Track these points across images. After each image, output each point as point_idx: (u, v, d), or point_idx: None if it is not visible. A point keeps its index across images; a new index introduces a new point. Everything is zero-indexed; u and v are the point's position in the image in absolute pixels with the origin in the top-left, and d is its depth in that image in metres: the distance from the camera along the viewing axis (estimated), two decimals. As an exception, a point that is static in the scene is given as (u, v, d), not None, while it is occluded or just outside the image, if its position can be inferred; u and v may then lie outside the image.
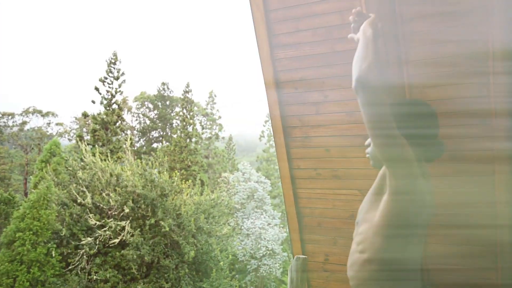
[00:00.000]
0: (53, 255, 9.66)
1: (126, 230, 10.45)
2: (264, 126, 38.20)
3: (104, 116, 24.46)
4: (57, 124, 38.28)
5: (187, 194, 12.59)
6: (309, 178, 4.00)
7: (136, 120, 45.08)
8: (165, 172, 12.50)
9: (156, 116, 44.49)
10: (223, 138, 40.69)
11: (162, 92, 43.99)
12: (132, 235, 10.54)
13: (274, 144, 4.08)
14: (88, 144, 21.82)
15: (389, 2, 2.74)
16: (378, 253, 1.69)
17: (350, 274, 1.86)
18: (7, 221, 13.39)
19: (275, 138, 3.94)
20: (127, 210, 10.62)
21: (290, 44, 3.43)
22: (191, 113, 34.16)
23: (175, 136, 34.84)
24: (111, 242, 10.32)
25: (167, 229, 10.56)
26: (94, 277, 10.02)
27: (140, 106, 45.17)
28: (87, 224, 10.61)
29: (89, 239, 10.23)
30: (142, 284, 10.37)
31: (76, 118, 40.71)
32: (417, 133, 1.75)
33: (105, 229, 10.42)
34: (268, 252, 19.64)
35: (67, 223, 10.47)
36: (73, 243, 10.40)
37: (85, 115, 25.97)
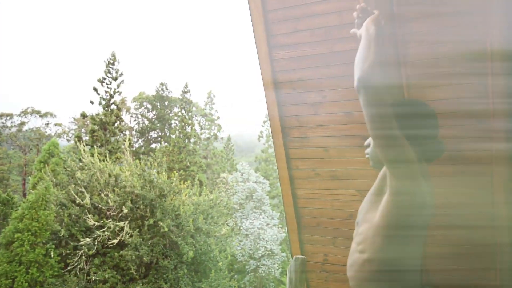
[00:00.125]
0: (52, 255, 9.63)
1: (124, 230, 10.43)
2: (262, 126, 38.19)
3: (103, 117, 24.44)
4: (55, 124, 38.28)
5: (185, 195, 12.57)
6: (307, 179, 4.01)
7: (135, 120, 45.09)
8: (163, 173, 12.48)
9: (155, 116, 44.49)
10: (221, 138, 40.69)
11: (160, 93, 43.99)
12: (131, 236, 10.53)
13: (272, 145, 4.07)
14: (86, 144, 21.81)
15: (388, 2, 2.74)
16: (378, 253, 1.69)
17: (349, 274, 1.86)
18: (6, 221, 13.36)
19: (273, 138, 3.94)
20: (125, 211, 10.60)
21: (289, 44, 3.43)
22: (190, 114, 34.19)
23: (173, 136, 34.84)
24: (110, 242, 10.30)
25: (166, 229, 10.54)
26: (93, 277, 10.00)
27: (138, 106, 45.17)
28: (85, 225, 10.60)
29: (87, 239, 10.22)
30: (141, 284, 10.35)
31: (74, 119, 40.72)
32: (417, 134, 1.75)
33: (103, 229, 10.40)
34: (267, 252, 19.66)
35: (66, 223, 10.45)
36: (71, 243, 10.38)
37: (83, 115, 26.00)
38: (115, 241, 10.30)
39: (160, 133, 44.26)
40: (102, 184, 11.46)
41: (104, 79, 25.91)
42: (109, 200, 10.90)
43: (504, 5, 2.49)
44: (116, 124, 25.36)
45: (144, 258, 10.31)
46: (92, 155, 12.28)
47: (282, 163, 4.01)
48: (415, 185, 1.61)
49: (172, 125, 43.10)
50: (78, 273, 9.99)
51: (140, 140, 44.15)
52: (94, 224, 10.40)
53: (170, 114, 44.29)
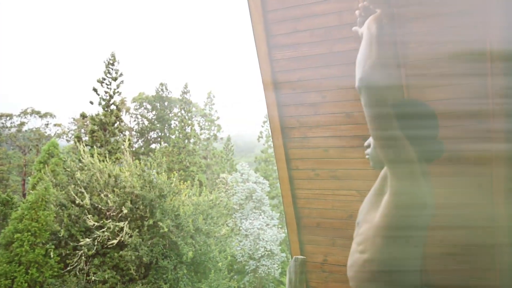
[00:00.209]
0: (52, 256, 9.63)
1: (124, 231, 10.43)
2: (262, 127, 38.14)
3: (102, 117, 24.42)
4: (55, 125, 38.27)
5: (185, 195, 12.57)
6: (307, 179, 4.01)
7: (135, 121, 45.08)
8: (163, 173, 12.48)
9: (155, 117, 44.49)
10: (221, 138, 40.64)
11: (160, 93, 44.00)
12: (131, 236, 10.52)
13: (272, 145, 4.07)
14: (86, 145, 21.77)
15: (387, 3, 2.74)
16: (378, 254, 1.69)
17: (350, 274, 1.86)
18: (5, 222, 13.35)
19: (273, 139, 3.94)
20: (125, 211, 10.60)
21: (288, 44, 3.43)
22: (190, 114, 34.20)
23: (173, 137, 34.86)
24: (110, 243, 10.30)
25: (166, 230, 10.54)
26: (93, 278, 10.00)
27: (138, 107, 45.17)
28: (85, 225, 10.59)
29: (87, 240, 10.21)
30: (140, 285, 10.35)
31: (74, 119, 40.69)
32: (418, 134, 1.74)
33: (103, 230, 10.40)
34: (267, 252, 19.65)
35: (66, 224, 10.45)
36: (71, 244, 10.38)
37: (83, 116, 25.97)
38: (115, 241, 10.30)
39: (159, 134, 44.26)
40: (102, 185, 11.46)
41: (104, 79, 25.89)
42: (108, 201, 10.90)
43: (503, 6, 2.49)
44: (115, 125, 25.35)
45: (144, 259, 10.30)
46: (92, 156, 12.28)
47: (281, 163, 4.01)
48: (415, 185, 1.61)
49: (172, 126, 43.10)
50: (78, 274, 9.99)
51: (139, 140, 44.15)
52: (94, 224, 10.40)
53: (170, 115, 44.30)
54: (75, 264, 10.08)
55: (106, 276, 10.02)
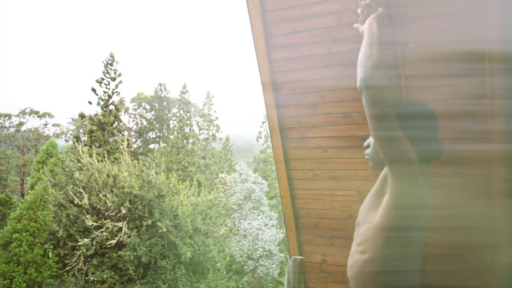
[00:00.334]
0: (50, 256, 9.63)
1: (123, 231, 10.43)
2: (261, 127, 38.09)
3: (101, 117, 24.38)
4: (54, 125, 38.19)
5: (184, 195, 12.59)
6: (306, 179, 4.00)
7: (133, 121, 45.08)
8: (162, 173, 12.49)
9: (153, 117, 44.50)
10: (220, 139, 40.61)
11: (159, 93, 44.02)
12: (129, 236, 10.52)
13: (271, 145, 4.07)
14: (85, 145, 21.74)
15: (388, 2, 2.74)
16: (378, 254, 1.69)
17: (350, 275, 1.86)
18: (4, 222, 13.34)
19: (272, 139, 3.94)
20: (124, 211, 10.60)
21: (287, 45, 3.43)
22: (188, 114, 34.20)
23: (172, 137, 34.84)
24: (108, 243, 10.30)
25: (164, 230, 10.54)
26: (91, 278, 10.00)
27: (137, 107, 45.17)
28: (84, 225, 10.59)
29: (86, 240, 10.21)
30: (139, 285, 10.35)
31: (73, 119, 40.61)
32: (418, 134, 1.75)
33: (102, 230, 10.40)
34: (265, 253, 19.65)
35: (64, 224, 10.45)
36: (70, 244, 10.38)
37: (82, 116, 25.91)
38: (113, 241, 10.30)
39: (158, 134, 44.26)
40: (101, 185, 11.46)
41: (103, 79, 25.86)
42: (107, 201, 10.90)
43: (502, 6, 2.49)
44: (114, 125, 25.31)
45: (142, 259, 10.30)
46: (91, 156, 12.28)
47: (280, 163, 4.01)
48: (416, 185, 1.61)
49: (171, 126, 43.10)
50: (76, 274, 9.99)
51: (138, 140, 44.15)
52: (92, 224, 10.40)
53: (169, 115, 44.31)
54: (74, 264, 10.08)
55: (105, 276, 10.02)
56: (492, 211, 3.11)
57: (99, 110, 25.32)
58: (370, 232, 1.73)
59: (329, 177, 3.86)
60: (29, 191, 11.92)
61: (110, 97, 25.86)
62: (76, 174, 11.53)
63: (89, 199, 10.96)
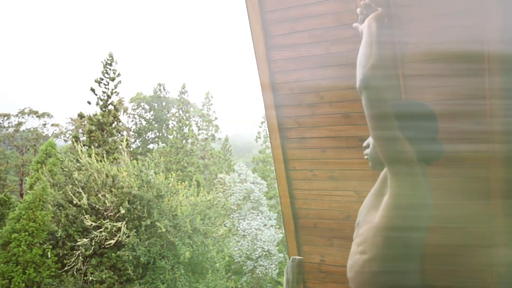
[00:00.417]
0: (49, 256, 9.63)
1: (122, 231, 10.43)
2: (260, 127, 38.10)
3: (100, 117, 24.37)
4: (52, 125, 38.20)
5: (183, 195, 12.59)
6: (305, 179, 4.00)
7: (132, 121, 45.06)
8: (161, 173, 12.49)
9: (152, 117, 44.47)
10: (219, 139, 40.59)
11: (158, 93, 44.01)
12: (128, 236, 10.52)
13: (270, 145, 4.07)
14: (84, 145, 21.72)
15: (387, 2, 2.74)
16: (378, 254, 1.69)
17: (350, 275, 1.85)
18: (3, 222, 13.33)
19: (271, 139, 3.94)
20: (123, 211, 10.60)
21: (286, 45, 3.43)
22: (187, 114, 34.20)
23: (171, 137, 34.86)
24: (107, 243, 10.30)
25: (163, 230, 10.54)
26: (90, 278, 10.01)
27: (136, 107, 45.15)
28: (83, 225, 10.60)
29: (85, 240, 10.21)
30: (138, 285, 10.35)
31: (72, 119, 40.61)
32: (418, 135, 1.74)
33: (101, 230, 10.40)
34: (264, 253, 19.66)
35: (63, 224, 10.45)
36: (69, 244, 10.39)
37: (81, 116, 25.91)
38: (112, 241, 10.30)
39: (157, 134, 44.24)
40: (100, 185, 11.45)
41: (102, 79, 25.85)
42: (106, 201, 10.90)
43: (502, 6, 2.49)
44: (113, 125, 25.30)
45: (141, 259, 10.30)
46: (90, 156, 12.28)
47: (279, 164, 4.01)
48: (415, 186, 1.61)
49: (170, 126, 43.09)
50: (75, 274, 9.99)
51: (137, 140, 44.13)
52: (91, 224, 10.39)
53: (168, 115, 44.30)
54: (73, 264, 10.08)
55: (104, 276, 10.02)
56: (491, 211, 3.11)
57: (98, 110, 25.32)
58: (370, 232, 1.73)
59: (328, 177, 3.86)
60: (28, 191, 11.91)
61: (109, 97, 25.85)
62: (75, 174, 11.53)
63: (88, 199, 10.96)
